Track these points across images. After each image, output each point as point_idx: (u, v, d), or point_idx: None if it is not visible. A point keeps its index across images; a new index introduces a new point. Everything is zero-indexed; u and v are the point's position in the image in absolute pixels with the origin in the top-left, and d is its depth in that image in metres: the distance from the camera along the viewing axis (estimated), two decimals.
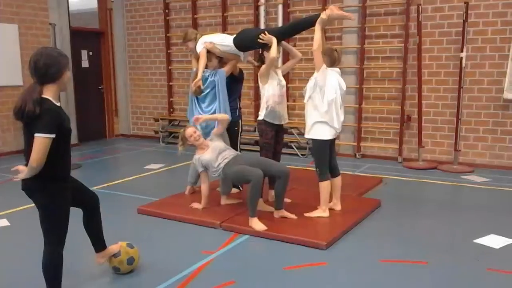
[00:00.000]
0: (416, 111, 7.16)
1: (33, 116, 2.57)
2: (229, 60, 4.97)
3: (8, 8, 7.87)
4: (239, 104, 5.30)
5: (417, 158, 7.21)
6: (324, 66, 4.33)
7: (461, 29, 6.75)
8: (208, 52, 4.83)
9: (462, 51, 6.73)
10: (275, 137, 4.75)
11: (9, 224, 4.57)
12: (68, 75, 2.76)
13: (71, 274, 3.29)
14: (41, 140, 2.56)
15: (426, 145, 7.26)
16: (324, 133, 4.42)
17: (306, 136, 4.54)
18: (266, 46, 4.58)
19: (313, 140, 4.48)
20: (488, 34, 6.72)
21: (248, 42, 4.74)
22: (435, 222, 4.65)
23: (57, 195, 2.74)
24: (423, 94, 7.13)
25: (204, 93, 4.90)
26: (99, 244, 3.31)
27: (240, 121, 5.25)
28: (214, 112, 4.86)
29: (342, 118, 4.49)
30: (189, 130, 4.64)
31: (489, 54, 6.75)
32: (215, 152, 4.52)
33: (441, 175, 6.60)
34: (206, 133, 4.83)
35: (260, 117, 4.70)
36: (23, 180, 2.71)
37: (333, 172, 4.64)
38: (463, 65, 6.74)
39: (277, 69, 4.81)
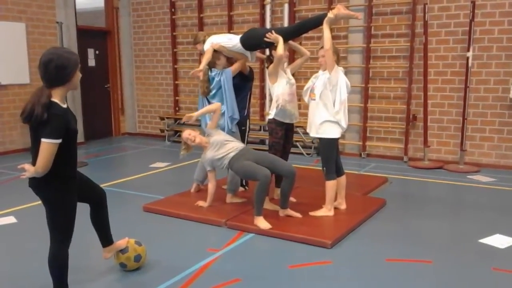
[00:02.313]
0: (422, 111, 7.15)
1: (40, 120, 2.55)
2: (238, 59, 4.98)
3: (15, 7, 7.92)
4: (248, 104, 5.28)
5: (422, 157, 7.20)
6: (336, 65, 4.33)
7: (467, 28, 6.73)
8: (216, 51, 4.84)
9: (468, 50, 6.71)
10: (284, 137, 4.75)
11: (16, 221, 4.60)
12: (79, 74, 2.73)
13: (77, 270, 3.32)
14: (47, 146, 2.56)
15: (431, 144, 7.24)
16: (333, 132, 4.42)
17: (314, 135, 4.53)
18: (273, 45, 4.59)
19: (322, 139, 4.48)
20: (495, 33, 6.70)
21: (254, 41, 4.75)
22: (440, 222, 4.64)
23: (63, 192, 2.75)
24: (429, 93, 7.11)
25: (212, 93, 4.90)
26: (106, 239, 3.33)
27: (248, 120, 5.25)
28: (223, 113, 4.86)
29: (347, 116, 4.50)
30: (184, 133, 4.63)
31: (495, 53, 6.73)
32: (215, 147, 4.50)
33: (446, 174, 6.58)
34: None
35: (270, 116, 4.70)
36: (30, 178, 2.72)
37: (338, 171, 4.64)
38: (470, 64, 6.72)
39: (286, 68, 4.82)
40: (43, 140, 2.56)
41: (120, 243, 3.40)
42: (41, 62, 2.64)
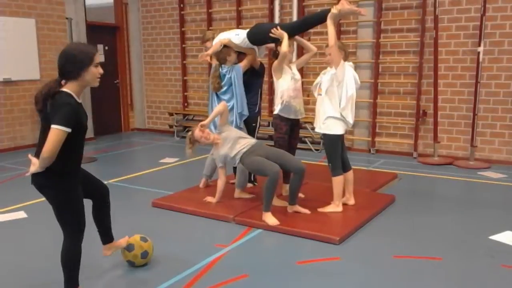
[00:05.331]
0: (432, 106, 7.09)
1: (52, 108, 2.55)
2: (247, 54, 4.98)
3: (25, 3, 7.96)
4: (260, 100, 5.26)
5: (432, 153, 7.14)
6: (342, 61, 4.31)
7: (478, 23, 6.65)
8: (226, 46, 4.85)
9: (479, 45, 6.64)
10: (290, 132, 4.74)
11: (26, 216, 4.64)
12: (93, 71, 2.69)
13: (85, 266, 3.32)
14: (57, 132, 2.53)
15: (442, 140, 7.18)
16: (337, 128, 4.40)
17: (318, 130, 4.52)
18: (279, 41, 4.58)
19: (326, 134, 4.47)
20: (506, 28, 6.61)
21: (260, 36, 4.76)
22: (450, 218, 4.61)
23: (67, 189, 2.73)
24: (439, 89, 7.05)
25: (223, 90, 4.93)
26: (106, 236, 3.32)
27: (259, 117, 5.25)
28: (233, 108, 4.87)
29: (354, 112, 4.48)
30: (197, 133, 4.55)
31: (507, 48, 6.64)
32: (228, 143, 4.49)
33: (456, 171, 6.53)
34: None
35: (275, 112, 4.71)
36: (32, 176, 2.69)
37: (345, 166, 4.62)
38: (480, 59, 6.65)
39: (291, 63, 4.82)
40: (52, 126, 2.53)
41: (120, 241, 3.38)
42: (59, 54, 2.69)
